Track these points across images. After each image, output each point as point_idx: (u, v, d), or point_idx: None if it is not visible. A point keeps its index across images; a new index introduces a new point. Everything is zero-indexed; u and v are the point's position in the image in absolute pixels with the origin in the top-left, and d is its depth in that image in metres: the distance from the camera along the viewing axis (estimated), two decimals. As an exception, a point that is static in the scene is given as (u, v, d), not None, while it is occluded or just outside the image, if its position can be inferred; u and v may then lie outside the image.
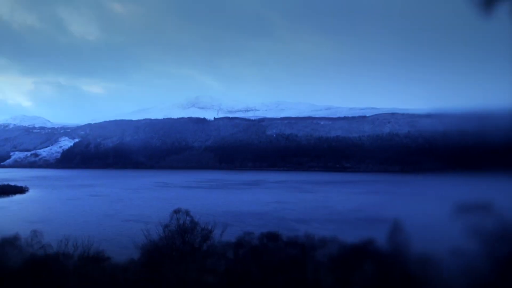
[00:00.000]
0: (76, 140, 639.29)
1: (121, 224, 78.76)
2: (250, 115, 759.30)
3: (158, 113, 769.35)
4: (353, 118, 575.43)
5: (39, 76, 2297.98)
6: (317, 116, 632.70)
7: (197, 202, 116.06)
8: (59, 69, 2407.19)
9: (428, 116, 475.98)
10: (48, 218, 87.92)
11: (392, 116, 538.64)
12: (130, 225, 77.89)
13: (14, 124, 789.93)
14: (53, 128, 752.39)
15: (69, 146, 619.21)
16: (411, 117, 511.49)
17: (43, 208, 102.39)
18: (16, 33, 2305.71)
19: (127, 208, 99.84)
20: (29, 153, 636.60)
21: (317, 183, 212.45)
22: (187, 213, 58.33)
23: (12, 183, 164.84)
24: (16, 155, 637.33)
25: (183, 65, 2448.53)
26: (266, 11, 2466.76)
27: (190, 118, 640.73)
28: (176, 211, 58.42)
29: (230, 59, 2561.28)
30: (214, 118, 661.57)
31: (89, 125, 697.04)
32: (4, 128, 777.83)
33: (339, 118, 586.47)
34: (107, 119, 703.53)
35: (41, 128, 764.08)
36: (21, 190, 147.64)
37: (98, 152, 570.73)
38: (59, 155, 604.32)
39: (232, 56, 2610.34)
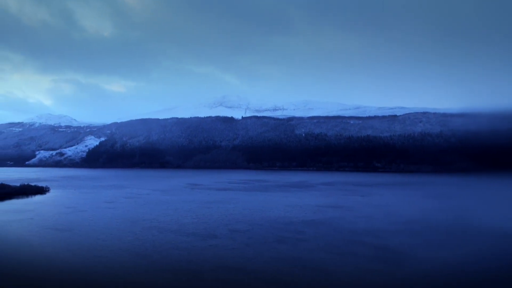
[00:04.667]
0: (102, 139, 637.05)
1: (152, 234, 69.96)
2: (278, 114, 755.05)
3: (184, 112, 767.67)
4: (383, 117, 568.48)
5: (56, 74, 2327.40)
6: (346, 115, 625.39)
7: (235, 206, 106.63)
8: (76, 67, 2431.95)
9: (460, 115, 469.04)
10: (65, 223, 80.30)
11: (424, 115, 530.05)
12: (162, 236, 69.10)
13: (40, 123, 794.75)
14: (78, 127, 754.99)
15: (95, 145, 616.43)
16: (443, 117, 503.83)
17: (60, 212, 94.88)
18: (27, 28, 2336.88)
19: (161, 214, 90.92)
20: (54, 152, 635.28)
21: (362, 185, 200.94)
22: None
23: (37, 183, 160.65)
24: (41, 154, 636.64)
25: (203, 63, 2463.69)
26: (286, 6, 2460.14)
27: (217, 117, 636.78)
28: None
29: (250, 56, 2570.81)
30: (242, 117, 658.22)
31: (115, 123, 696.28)
32: (30, 127, 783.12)
33: (369, 118, 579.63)
34: (133, 118, 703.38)
35: (67, 127, 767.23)
36: (41, 190, 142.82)
37: (124, 151, 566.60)
38: (84, 154, 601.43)
39: (253, 53, 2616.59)
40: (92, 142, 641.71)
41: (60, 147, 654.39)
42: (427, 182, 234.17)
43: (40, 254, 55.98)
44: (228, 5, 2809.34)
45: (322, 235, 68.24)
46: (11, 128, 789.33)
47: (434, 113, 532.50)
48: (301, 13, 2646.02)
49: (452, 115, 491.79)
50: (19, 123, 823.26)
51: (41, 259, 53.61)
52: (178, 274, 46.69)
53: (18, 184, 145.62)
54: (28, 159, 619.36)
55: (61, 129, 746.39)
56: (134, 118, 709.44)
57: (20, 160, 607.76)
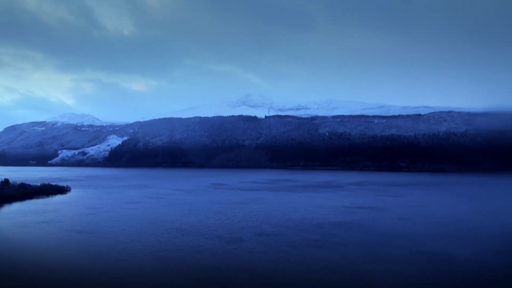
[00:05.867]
0: (125, 138, 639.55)
1: (174, 236, 66.81)
2: (301, 113, 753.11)
3: (208, 111, 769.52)
4: (408, 116, 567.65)
5: (77, 72, 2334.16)
6: (370, 114, 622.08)
7: (261, 207, 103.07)
8: (97, 65, 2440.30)
9: (485, 114, 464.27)
10: (84, 224, 77.72)
11: (449, 114, 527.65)
12: (185, 239, 65.87)
13: (62, 122, 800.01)
14: (101, 126, 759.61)
15: (117, 144, 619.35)
16: (468, 116, 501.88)
17: (79, 213, 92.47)
18: (46, 26, 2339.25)
19: (184, 215, 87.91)
20: (77, 152, 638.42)
21: (390, 185, 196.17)
22: None
23: (58, 183, 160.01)
24: (64, 154, 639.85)
25: (224, 62, 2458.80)
26: (308, 4, 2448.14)
27: (240, 116, 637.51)
28: None
29: (273, 55, 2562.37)
30: (265, 116, 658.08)
31: (138, 123, 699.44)
32: (52, 126, 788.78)
33: (393, 117, 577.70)
34: (155, 117, 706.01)
35: (90, 126, 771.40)
36: (62, 190, 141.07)
37: (147, 151, 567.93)
38: (107, 153, 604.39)
39: (275, 52, 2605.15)
40: (114, 141, 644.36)
41: (83, 146, 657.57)
42: (454, 182, 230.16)
43: (58, 257, 53.40)
44: (249, 2, 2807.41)
45: (354, 238, 64.35)
46: (33, 127, 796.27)
47: (459, 112, 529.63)
48: (323, 11, 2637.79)
49: (477, 114, 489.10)
50: (41, 122, 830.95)
51: (59, 261, 51.02)
52: (200, 279, 43.39)
53: (39, 184, 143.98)
54: (51, 158, 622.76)
55: (83, 128, 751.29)
56: (156, 117, 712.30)
57: (43, 159, 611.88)
